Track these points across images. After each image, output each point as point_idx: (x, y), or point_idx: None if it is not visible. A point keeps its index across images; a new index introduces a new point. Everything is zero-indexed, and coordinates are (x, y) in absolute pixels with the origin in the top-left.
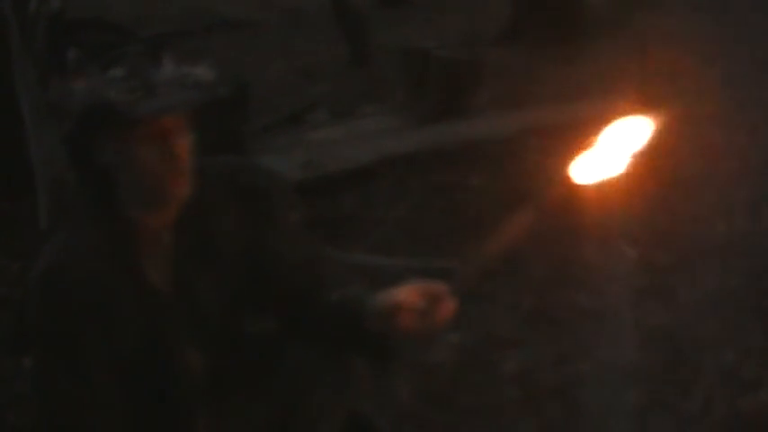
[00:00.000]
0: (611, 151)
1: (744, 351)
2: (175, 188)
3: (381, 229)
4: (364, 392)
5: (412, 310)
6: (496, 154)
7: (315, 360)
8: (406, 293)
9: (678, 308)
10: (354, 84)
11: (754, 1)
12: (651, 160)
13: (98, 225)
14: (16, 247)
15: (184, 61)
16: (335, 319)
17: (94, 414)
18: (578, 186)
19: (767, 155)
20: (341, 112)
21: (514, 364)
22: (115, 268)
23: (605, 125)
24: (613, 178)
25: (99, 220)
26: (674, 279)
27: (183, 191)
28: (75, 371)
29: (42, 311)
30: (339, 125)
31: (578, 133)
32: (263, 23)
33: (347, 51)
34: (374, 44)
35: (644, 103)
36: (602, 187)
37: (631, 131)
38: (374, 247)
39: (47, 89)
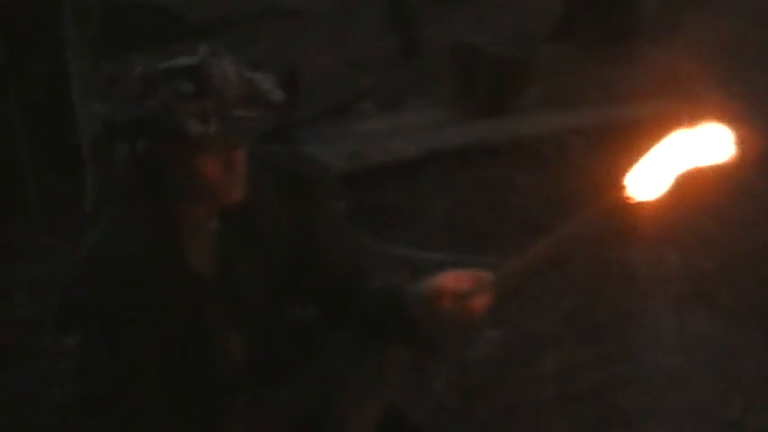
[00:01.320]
0: (671, 165)
1: None
2: (232, 196)
3: (425, 222)
4: (402, 385)
5: (453, 295)
6: (543, 153)
7: (354, 350)
8: (448, 279)
9: (720, 314)
10: (402, 77)
11: None
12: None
13: (145, 210)
14: (63, 226)
15: (244, 62)
16: (378, 307)
17: (135, 393)
18: (635, 201)
19: None
20: (387, 104)
21: (553, 364)
22: (161, 252)
23: (663, 134)
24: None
25: (146, 206)
26: (716, 285)
27: (238, 197)
28: (119, 350)
29: (88, 290)
30: (386, 117)
31: (627, 135)
32: (314, 12)
33: (397, 44)
34: (424, 38)
35: (697, 109)
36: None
37: (694, 145)
38: (418, 239)
39: (98, 70)
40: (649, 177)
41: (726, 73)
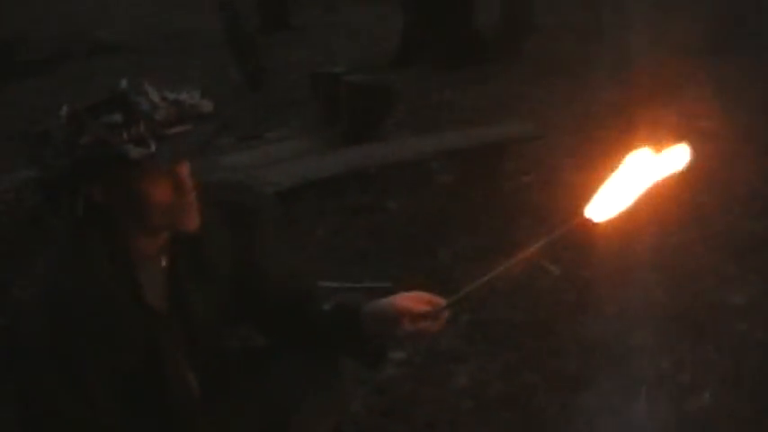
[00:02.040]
0: (624, 186)
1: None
2: (187, 221)
3: (305, 250)
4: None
5: (410, 316)
6: (409, 177)
7: (304, 370)
8: (407, 300)
9: (609, 319)
10: (252, 108)
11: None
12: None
13: (95, 249)
14: None
15: (165, 89)
16: (333, 325)
17: (97, 428)
18: (593, 224)
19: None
20: (246, 137)
21: (464, 379)
22: (116, 288)
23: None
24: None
25: (96, 246)
26: (600, 294)
27: (194, 223)
28: (78, 390)
29: (45, 337)
30: (247, 150)
31: (488, 156)
32: (147, 48)
33: (240, 76)
34: (267, 69)
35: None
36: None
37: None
38: None
39: None
40: (607, 200)
41: (567, 92)
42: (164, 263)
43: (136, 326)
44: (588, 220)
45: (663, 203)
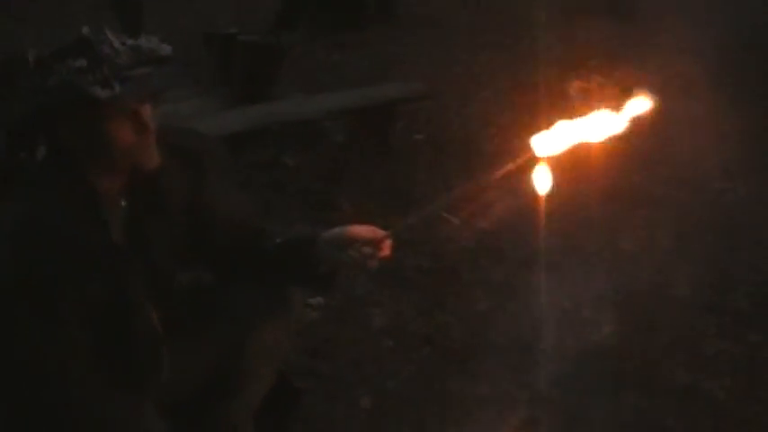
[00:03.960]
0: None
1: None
2: (148, 160)
3: None
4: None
5: (361, 243)
6: (304, 135)
7: (256, 299)
8: (358, 229)
9: (509, 263)
10: None
11: None
12: None
13: (63, 189)
14: None
15: (122, 35)
16: (284, 255)
17: (67, 365)
18: (537, 159)
19: None
20: None
21: (381, 320)
22: (87, 225)
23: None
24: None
25: (63, 186)
26: (498, 239)
27: (155, 162)
28: (49, 325)
29: (15, 267)
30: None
31: (377, 115)
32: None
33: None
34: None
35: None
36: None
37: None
38: None
39: None
40: (552, 137)
41: (447, 53)
42: (123, 203)
43: (103, 260)
44: (534, 156)
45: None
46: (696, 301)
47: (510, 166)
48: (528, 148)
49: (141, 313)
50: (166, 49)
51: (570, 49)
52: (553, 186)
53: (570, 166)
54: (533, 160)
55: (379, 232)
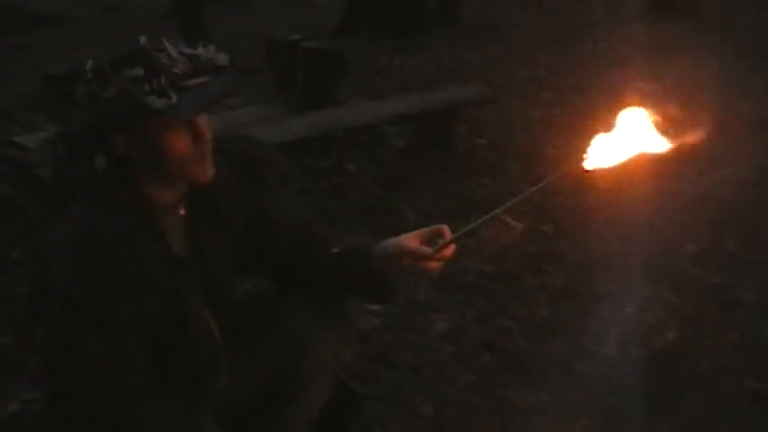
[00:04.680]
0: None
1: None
2: (204, 172)
3: None
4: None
5: (417, 254)
6: (365, 140)
7: (311, 311)
8: (412, 239)
9: (571, 268)
10: None
11: None
12: None
13: (121, 200)
14: None
15: (180, 43)
16: (341, 266)
17: (125, 378)
18: (587, 173)
19: None
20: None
21: (442, 326)
22: (146, 237)
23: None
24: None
25: (121, 197)
26: (562, 246)
27: (210, 174)
28: (107, 339)
29: (74, 282)
30: (210, 116)
31: (439, 119)
32: (85, 20)
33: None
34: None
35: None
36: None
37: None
38: None
39: None
40: (604, 150)
41: (509, 57)
42: (182, 212)
43: (161, 272)
44: (580, 168)
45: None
46: (762, 305)
47: (563, 174)
48: (581, 159)
49: (200, 324)
50: (223, 59)
51: (634, 49)
52: (615, 190)
53: (632, 170)
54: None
55: (440, 231)
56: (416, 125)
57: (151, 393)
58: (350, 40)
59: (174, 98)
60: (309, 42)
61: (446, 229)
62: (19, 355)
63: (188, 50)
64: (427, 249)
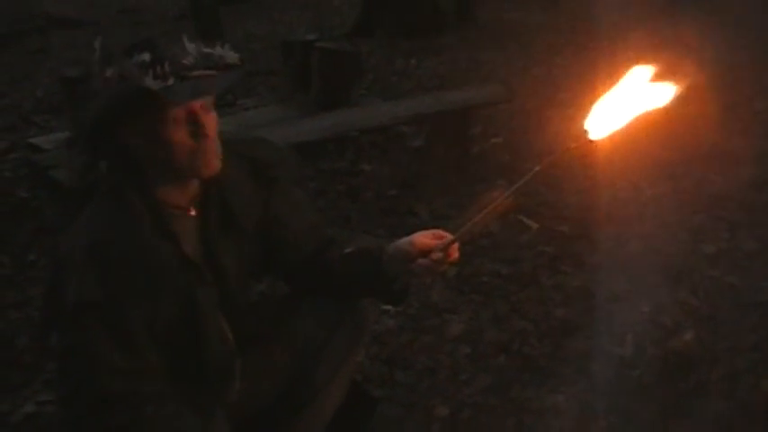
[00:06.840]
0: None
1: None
2: (209, 166)
3: None
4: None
5: (426, 252)
6: (380, 141)
7: (328, 312)
8: (421, 238)
9: (587, 270)
10: None
11: None
12: None
13: (134, 203)
14: None
15: (200, 42)
16: (353, 268)
17: (141, 381)
18: (591, 144)
19: None
20: (218, 104)
21: (457, 327)
22: (159, 240)
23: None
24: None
25: (133, 200)
26: (578, 246)
27: (215, 167)
28: (123, 340)
29: (88, 288)
30: (225, 117)
31: (455, 120)
32: (100, 23)
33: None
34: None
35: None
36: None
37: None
38: None
39: None
40: (604, 119)
41: (524, 58)
42: (193, 214)
43: (175, 276)
44: (586, 141)
45: (634, 160)
46: None
47: (566, 151)
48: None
49: (213, 327)
50: (233, 57)
51: (650, 49)
52: (631, 190)
53: (650, 168)
54: (588, 144)
55: (445, 236)
56: (432, 126)
57: (165, 397)
58: (365, 40)
59: (172, 82)
60: (325, 43)
61: (443, 232)
62: (35, 357)
63: (207, 49)
64: (439, 244)
